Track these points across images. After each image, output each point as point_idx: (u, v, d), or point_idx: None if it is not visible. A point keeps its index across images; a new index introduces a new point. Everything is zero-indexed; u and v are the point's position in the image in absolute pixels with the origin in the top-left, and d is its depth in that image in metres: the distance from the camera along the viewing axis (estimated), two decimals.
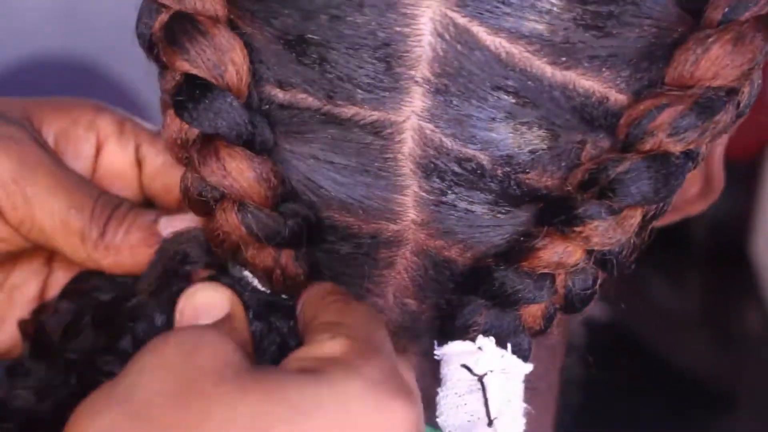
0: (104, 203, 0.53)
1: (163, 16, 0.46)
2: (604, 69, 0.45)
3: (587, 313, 0.51)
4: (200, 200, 0.48)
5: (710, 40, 0.44)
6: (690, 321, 1.01)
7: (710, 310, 1.04)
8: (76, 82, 1.16)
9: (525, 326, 0.48)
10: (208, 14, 0.46)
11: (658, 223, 0.55)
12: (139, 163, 0.56)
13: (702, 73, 0.45)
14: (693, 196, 0.54)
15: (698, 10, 0.46)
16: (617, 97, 0.46)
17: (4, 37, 1.18)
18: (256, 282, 0.50)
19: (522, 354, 0.48)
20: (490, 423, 0.48)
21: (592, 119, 0.46)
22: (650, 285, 1.08)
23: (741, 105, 0.46)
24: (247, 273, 0.50)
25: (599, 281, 0.48)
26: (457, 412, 0.49)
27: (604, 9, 0.44)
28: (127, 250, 0.52)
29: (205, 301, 0.48)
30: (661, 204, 0.47)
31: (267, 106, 0.47)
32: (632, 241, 0.47)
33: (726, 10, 0.45)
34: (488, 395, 0.48)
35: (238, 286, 0.50)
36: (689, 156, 0.46)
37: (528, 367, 0.49)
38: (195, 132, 0.47)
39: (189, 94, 0.46)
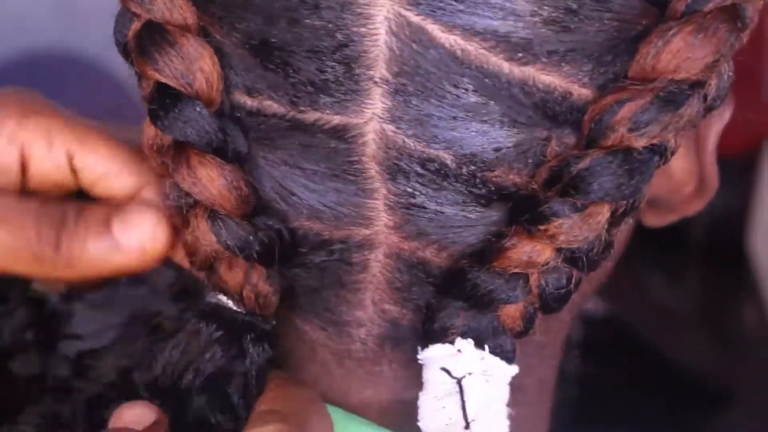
0: (48, 223, 0.52)
1: (136, 25, 0.47)
2: (563, 64, 0.45)
3: (585, 310, 0.51)
4: (176, 207, 0.48)
5: (671, 32, 0.44)
6: (688, 318, 1.01)
7: (708, 308, 1.04)
8: (74, 77, 1.16)
9: (505, 327, 0.48)
10: (177, 23, 0.46)
11: (654, 224, 0.55)
12: (75, 172, 0.54)
13: (663, 66, 0.44)
14: (688, 196, 0.53)
15: (664, 3, 0.45)
16: (581, 92, 0.45)
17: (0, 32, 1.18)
18: (231, 305, 0.49)
19: (504, 356, 0.48)
20: (467, 426, 0.48)
21: (555, 115, 0.45)
22: (648, 282, 1.08)
23: (709, 98, 0.45)
24: (221, 297, 0.49)
25: (574, 280, 0.48)
26: (436, 416, 0.48)
27: (561, 3, 0.44)
28: (87, 263, 0.52)
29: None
30: (632, 201, 0.46)
31: (238, 114, 0.48)
32: (603, 238, 0.46)
33: (689, 1, 0.44)
34: (465, 398, 0.48)
35: (210, 315, 0.49)
36: (655, 151, 0.45)
37: (513, 369, 0.48)
38: (169, 139, 0.47)
39: (160, 102, 0.47)
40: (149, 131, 0.48)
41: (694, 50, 0.44)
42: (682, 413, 0.82)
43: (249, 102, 0.47)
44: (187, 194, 0.48)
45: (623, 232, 0.54)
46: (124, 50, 0.48)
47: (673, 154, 0.46)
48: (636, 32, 0.45)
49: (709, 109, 0.46)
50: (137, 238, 0.52)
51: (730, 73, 0.47)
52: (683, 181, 0.52)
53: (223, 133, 0.47)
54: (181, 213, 0.49)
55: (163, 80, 0.46)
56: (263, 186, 0.48)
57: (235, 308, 0.49)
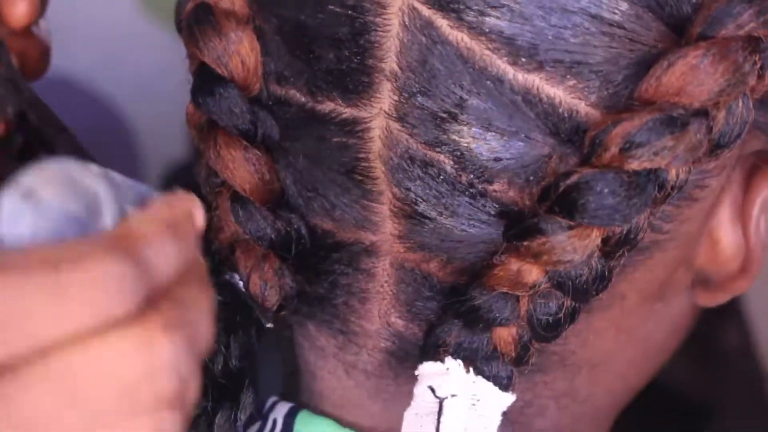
0: None
1: (190, 5, 0.48)
2: (569, 76, 0.43)
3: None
4: (207, 185, 0.50)
5: (677, 55, 0.42)
6: None
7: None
8: (60, 98, 1.16)
9: (501, 352, 0.47)
10: (224, 7, 0.48)
11: (706, 303, 0.53)
12: None
13: (665, 89, 0.42)
14: (734, 272, 0.51)
15: (682, 27, 0.44)
16: (588, 112, 0.44)
17: None
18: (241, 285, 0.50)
19: (498, 382, 0.47)
20: None
21: (558, 131, 0.44)
22: None
23: (715, 131, 0.43)
24: (236, 276, 0.50)
25: (566, 309, 0.46)
26: None
27: (570, 14, 0.43)
28: None
29: None
30: (626, 230, 0.44)
31: (270, 102, 0.49)
32: (595, 266, 0.45)
33: (703, 26, 0.43)
34: (442, 419, 0.47)
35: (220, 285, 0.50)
36: (650, 177, 0.43)
37: (508, 398, 0.47)
38: (204, 117, 0.49)
39: (199, 81, 0.48)
40: (190, 108, 0.49)
41: (699, 76, 0.42)
42: (664, 428, 0.83)
43: (279, 90, 0.48)
44: (216, 174, 0.49)
45: (683, 310, 0.53)
46: (178, 28, 0.50)
47: (676, 188, 0.44)
48: (651, 55, 0.43)
49: (717, 147, 0.44)
50: None
51: (747, 114, 0.44)
52: (729, 256, 0.50)
53: (255, 117, 0.48)
54: (211, 192, 0.50)
55: (203, 60, 0.48)
56: (287, 177, 0.49)
57: (242, 289, 0.50)
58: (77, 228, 0.36)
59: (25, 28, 0.53)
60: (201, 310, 0.37)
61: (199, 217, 0.39)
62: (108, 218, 0.37)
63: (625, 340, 0.52)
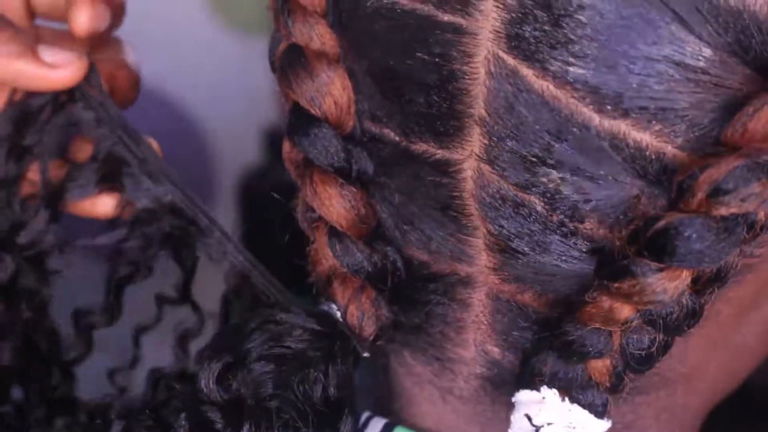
0: None
1: (283, 45, 0.50)
2: (654, 122, 0.43)
3: None
4: (305, 220, 0.51)
5: (762, 101, 0.42)
6: None
7: None
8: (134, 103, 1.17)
9: (596, 382, 0.47)
10: (315, 48, 0.49)
11: None
12: None
13: (751, 135, 0.42)
14: None
15: None
16: (675, 154, 0.44)
17: None
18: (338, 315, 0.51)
19: (594, 410, 0.48)
20: None
21: (646, 174, 0.44)
22: None
23: None
24: (332, 306, 0.52)
25: (659, 343, 0.47)
26: None
27: (654, 63, 0.43)
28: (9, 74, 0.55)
29: None
30: (716, 269, 0.44)
31: (365, 139, 0.50)
32: (686, 304, 0.45)
33: None
34: None
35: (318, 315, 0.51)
36: (738, 222, 0.43)
37: (603, 425, 0.48)
38: (301, 155, 0.50)
39: (294, 120, 0.49)
40: (286, 146, 0.51)
41: None
42: (738, 420, 0.83)
43: (373, 128, 0.49)
44: (312, 209, 0.50)
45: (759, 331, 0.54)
46: (272, 67, 0.51)
47: (765, 228, 0.44)
48: (737, 99, 0.43)
49: None
50: (60, 59, 0.55)
51: None
52: None
53: (349, 155, 0.49)
54: (309, 226, 0.51)
55: (297, 100, 0.49)
56: (383, 211, 0.50)
57: (340, 320, 0.51)
58: None
59: (90, 35, 0.55)
60: None
61: None
62: None
63: (720, 349, 0.53)
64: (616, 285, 0.44)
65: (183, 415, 0.51)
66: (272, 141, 1.05)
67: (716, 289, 0.46)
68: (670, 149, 0.44)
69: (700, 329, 0.50)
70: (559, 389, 0.48)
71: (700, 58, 0.43)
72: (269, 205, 0.55)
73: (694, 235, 0.43)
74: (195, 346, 0.60)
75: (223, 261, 0.56)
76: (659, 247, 0.43)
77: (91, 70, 0.56)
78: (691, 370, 0.52)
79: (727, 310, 0.51)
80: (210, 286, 0.59)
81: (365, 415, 0.56)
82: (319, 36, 0.49)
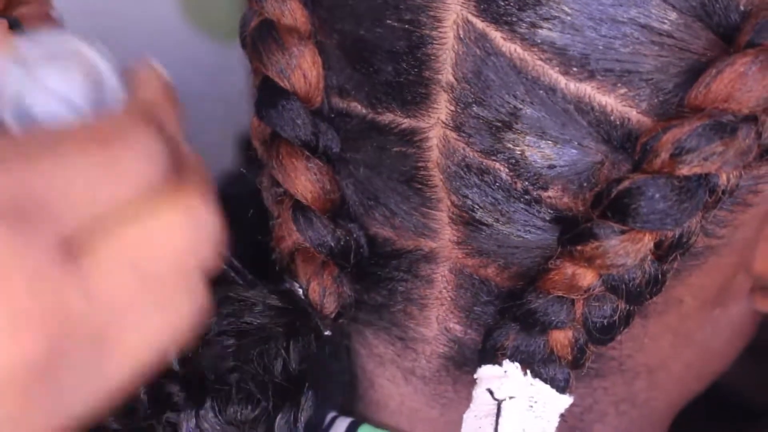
0: None
1: (254, 21, 0.50)
2: (619, 85, 0.44)
3: None
4: (269, 195, 0.51)
5: (725, 62, 0.43)
6: None
7: None
8: None
9: (558, 356, 0.47)
10: (286, 23, 0.49)
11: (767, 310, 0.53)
12: None
13: (714, 96, 0.43)
14: None
15: (731, 36, 0.44)
16: (640, 119, 0.45)
17: None
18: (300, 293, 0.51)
19: (556, 384, 0.48)
20: None
21: (610, 139, 0.45)
22: None
23: (765, 137, 0.44)
24: (295, 284, 0.51)
25: (621, 312, 0.46)
26: None
27: (619, 24, 0.43)
28: None
29: None
30: (678, 234, 0.44)
31: (332, 115, 0.50)
32: (649, 270, 0.45)
33: (751, 34, 0.43)
34: (500, 420, 0.47)
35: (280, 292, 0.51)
36: (701, 182, 0.43)
37: (566, 400, 0.48)
38: (268, 130, 0.50)
39: (263, 94, 0.50)
40: (254, 121, 0.51)
41: (747, 82, 0.42)
42: (714, 427, 0.82)
43: (340, 103, 0.49)
44: (278, 183, 0.50)
45: (742, 316, 0.54)
46: (243, 43, 0.51)
47: (727, 193, 0.44)
48: (700, 63, 0.44)
49: (767, 151, 0.44)
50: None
51: None
52: None
53: (316, 129, 0.49)
54: (273, 202, 0.51)
55: (266, 74, 0.49)
56: (347, 188, 0.50)
57: (302, 297, 0.51)
58: (91, 103, 0.38)
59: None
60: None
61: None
62: (109, 91, 0.39)
63: (683, 345, 0.53)
64: (578, 248, 0.44)
65: (142, 389, 0.50)
66: (247, 147, 1.05)
67: (678, 257, 0.46)
68: (634, 114, 0.44)
69: (660, 316, 0.50)
70: (521, 363, 0.48)
71: (665, 21, 0.43)
72: (244, 210, 0.54)
73: (657, 195, 0.43)
74: None
75: None
76: (622, 208, 0.43)
77: (14, 25, 0.54)
78: (653, 361, 0.52)
79: (690, 300, 0.51)
80: None
81: (330, 415, 0.55)
82: (290, 11, 0.49)
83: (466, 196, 0.47)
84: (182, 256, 0.36)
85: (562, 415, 0.48)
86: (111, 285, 0.34)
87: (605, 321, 0.47)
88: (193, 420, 0.48)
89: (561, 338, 0.47)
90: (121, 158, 0.35)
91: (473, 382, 0.49)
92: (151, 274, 0.35)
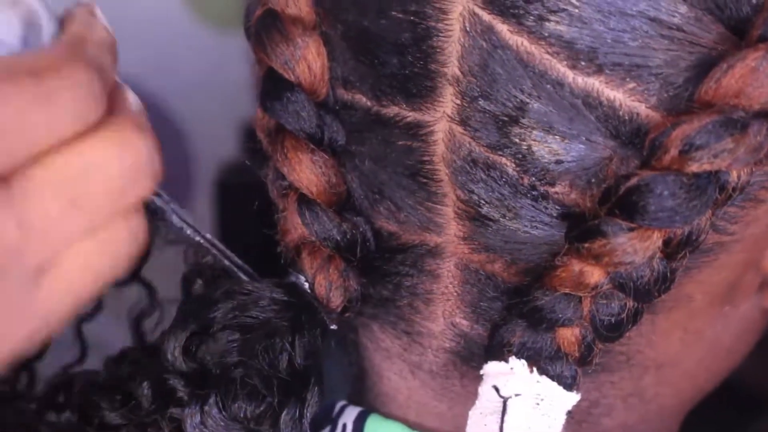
0: None
1: (259, 11, 0.49)
2: (628, 79, 0.43)
3: None
4: (274, 188, 0.51)
5: (736, 57, 0.42)
6: None
7: None
8: None
9: (565, 353, 0.47)
10: (291, 13, 0.48)
11: None
12: None
13: (724, 91, 0.42)
14: None
15: (743, 30, 0.43)
16: (649, 114, 0.44)
17: None
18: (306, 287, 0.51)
19: (563, 382, 0.47)
20: None
21: (619, 134, 0.44)
22: None
23: None
24: (300, 277, 0.51)
25: (628, 310, 0.46)
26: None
27: (627, 18, 0.43)
28: None
29: None
30: (688, 232, 0.44)
31: (337, 107, 0.49)
32: (657, 268, 0.44)
33: (763, 28, 0.42)
34: (506, 418, 0.47)
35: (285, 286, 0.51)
36: (710, 179, 0.42)
37: (572, 398, 0.47)
38: (273, 122, 0.49)
39: (267, 85, 0.49)
40: (258, 112, 0.50)
41: (759, 77, 0.41)
42: (721, 418, 0.82)
43: (345, 95, 0.49)
44: (283, 177, 0.50)
45: (752, 313, 0.53)
46: (247, 34, 0.50)
47: (737, 189, 0.43)
48: (711, 58, 0.43)
49: None
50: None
51: None
52: None
53: (321, 121, 0.49)
54: (278, 195, 0.51)
55: (271, 65, 0.48)
56: (353, 181, 0.50)
57: (307, 291, 0.51)
58: (29, 46, 0.39)
59: None
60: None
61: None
62: (47, 35, 0.39)
63: (693, 341, 0.52)
64: (586, 245, 0.44)
65: (145, 384, 0.50)
66: (250, 136, 1.05)
67: (687, 255, 0.45)
68: (643, 109, 0.44)
69: (669, 312, 0.49)
70: (527, 360, 0.47)
71: (675, 14, 0.42)
72: (247, 200, 0.54)
73: (666, 192, 0.42)
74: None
75: (181, 242, 0.55)
76: (630, 205, 0.43)
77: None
78: (662, 357, 0.52)
79: (700, 297, 0.50)
80: (170, 272, 0.58)
81: (340, 404, 0.55)
82: (295, 2, 0.48)
83: (472, 191, 0.46)
84: (116, 185, 0.37)
85: (569, 412, 0.47)
86: (45, 213, 0.35)
87: (613, 319, 0.46)
88: (198, 416, 0.48)
89: (568, 335, 0.47)
90: (54, 91, 0.35)
91: (481, 378, 0.49)
92: (85, 202, 0.36)
